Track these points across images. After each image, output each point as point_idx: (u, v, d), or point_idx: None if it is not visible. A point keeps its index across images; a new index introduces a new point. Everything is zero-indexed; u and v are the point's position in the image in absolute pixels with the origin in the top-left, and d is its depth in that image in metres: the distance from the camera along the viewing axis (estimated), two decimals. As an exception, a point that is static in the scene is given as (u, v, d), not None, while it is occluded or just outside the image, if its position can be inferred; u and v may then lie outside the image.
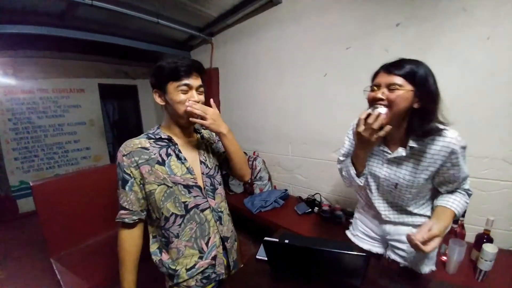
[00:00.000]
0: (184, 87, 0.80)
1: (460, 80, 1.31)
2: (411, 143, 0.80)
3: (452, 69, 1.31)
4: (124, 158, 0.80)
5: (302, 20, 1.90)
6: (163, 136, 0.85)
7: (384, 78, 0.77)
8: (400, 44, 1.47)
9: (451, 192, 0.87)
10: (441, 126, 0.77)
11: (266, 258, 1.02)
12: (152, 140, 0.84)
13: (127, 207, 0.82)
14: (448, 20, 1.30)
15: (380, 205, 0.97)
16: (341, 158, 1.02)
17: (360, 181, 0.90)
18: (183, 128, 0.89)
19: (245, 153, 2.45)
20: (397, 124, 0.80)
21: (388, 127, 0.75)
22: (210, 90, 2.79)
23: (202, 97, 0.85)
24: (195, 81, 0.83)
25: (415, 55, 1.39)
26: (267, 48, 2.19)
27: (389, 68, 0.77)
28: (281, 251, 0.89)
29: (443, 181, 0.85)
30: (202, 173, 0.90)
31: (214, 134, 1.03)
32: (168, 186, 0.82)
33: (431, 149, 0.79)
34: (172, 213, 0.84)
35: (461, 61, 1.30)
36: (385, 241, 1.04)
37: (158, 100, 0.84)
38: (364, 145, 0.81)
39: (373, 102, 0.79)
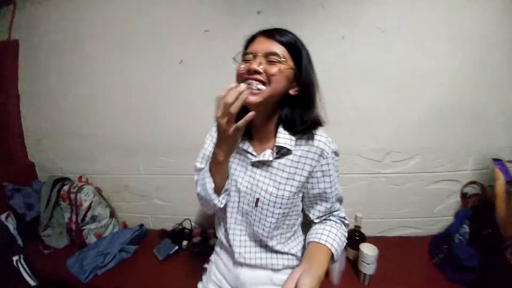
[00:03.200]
0: None
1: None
2: (280, 142, 0.63)
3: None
4: None
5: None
6: None
7: (263, 45, 0.60)
8: (261, 33, 1.27)
9: (324, 221, 0.73)
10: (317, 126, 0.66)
11: None
12: None
13: None
14: (307, 15, 1.24)
15: (236, 238, 0.73)
16: (198, 165, 0.79)
17: (220, 201, 0.67)
18: None
19: (67, 178, 1.57)
20: (268, 114, 0.65)
21: (250, 114, 0.54)
22: (1, 75, 1.58)
23: None
24: None
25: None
26: (100, 19, 1.41)
27: (271, 32, 0.62)
28: None
29: (313, 201, 0.72)
30: None
31: None
32: None
33: (298, 151, 0.66)
34: None
35: (317, 58, 1.24)
36: None
37: None
38: (222, 140, 0.58)
39: (246, 76, 0.59)
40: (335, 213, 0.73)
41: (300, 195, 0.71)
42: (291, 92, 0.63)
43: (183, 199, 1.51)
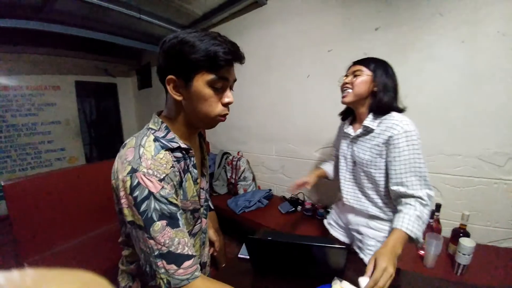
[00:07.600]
0: (219, 84, 0.57)
1: (437, 81, 1.36)
2: (365, 123, 0.92)
3: (431, 70, 1.37)
4: (163, 184, 0.54)
5: (288, 22, 1.92)
6: (182, 146, 0.61)
7: (351, 68, 0.95)
8: (380, 47, 1.51)
9: (403, 197, 0.84)
10: (395, 112, 0.88)
11: (248, 257, 1.01)
12: (169, 151, 0.58)
13: (190, 253, 0.56)
14: (425, 24, 1.35)
15: (344, 187, 1.06)
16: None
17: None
18: (194, 131, 0.67)
19: (229, 153, 2.44)
20: (360, 104, 0.94)
21: None
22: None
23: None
24: (233, 75, 0.61)
25: (395, 57, 1.41)
26: (254, 48, 2.18)
27: (356, 61, 0.95)
28: (263, 248, 0.88)
29: (389, 170, 0.87)
30: (202, 189, 0.70)
31: None
32: None
33: (378, 128, 0.90)
34: None
35: (438, 63, 1.34)
36: (350, 231, 1.11)
37: (173, 93, 0.57)
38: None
39: (342, 87, 0.96)
40: (411, 192, 0.81)
41: (379, 160, 0.89)
42: (374, 89, 0.88)
43: (300, 177, 1.98)
